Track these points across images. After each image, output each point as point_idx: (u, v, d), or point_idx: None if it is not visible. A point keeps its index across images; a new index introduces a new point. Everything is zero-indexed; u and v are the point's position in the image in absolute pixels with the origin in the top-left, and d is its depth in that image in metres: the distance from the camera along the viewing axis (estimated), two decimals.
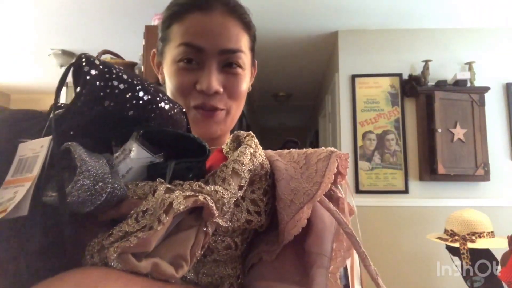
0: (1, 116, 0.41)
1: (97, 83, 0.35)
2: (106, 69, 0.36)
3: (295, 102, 5.09)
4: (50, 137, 0.34)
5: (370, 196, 2.73)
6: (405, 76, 2.83)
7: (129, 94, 0.37)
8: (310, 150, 0.45)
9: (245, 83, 0.60)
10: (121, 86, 0.36)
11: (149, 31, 1.94)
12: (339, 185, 0.45)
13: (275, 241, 0.41)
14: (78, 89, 0.35)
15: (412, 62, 2.86)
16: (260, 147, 0.46)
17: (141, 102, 0.38)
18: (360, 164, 2.78)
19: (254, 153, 0.43)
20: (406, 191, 2.74)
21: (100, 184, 0.32)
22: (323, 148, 0.44)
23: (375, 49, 2.91)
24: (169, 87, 0.59)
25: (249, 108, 4.58)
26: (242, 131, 0.48)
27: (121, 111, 0.37)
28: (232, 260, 0.42)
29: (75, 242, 0.33)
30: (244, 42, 0.59)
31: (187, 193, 0.34)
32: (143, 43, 1.96)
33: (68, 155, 0.33)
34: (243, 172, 0.39)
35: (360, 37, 2.93)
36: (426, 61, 2.76)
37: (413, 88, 2.76)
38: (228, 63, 0.57)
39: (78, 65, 0.36)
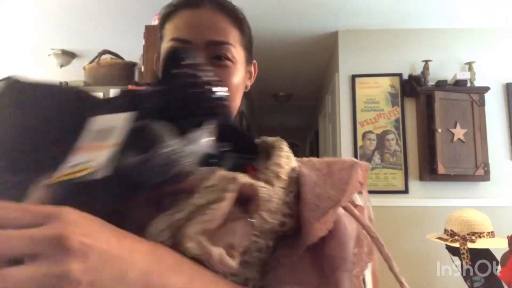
0: (68, 91, 0.44)
1: (190, 71, 0.41)
2: (196, 61, 0.43)
3: (295, 102, 5.09)
4: (134, 112, 0.38)
5: (370, 196, 2.69)
6: (405, 76, 2.83)
7: (209, 87, 0.42)
8: (331, 159, 0.47)
9: (236, 77, 0.59)
10: (206, 79, 0.42)
11: (149, 31, 1.94)
12: (357, 194, 0.47)
13: (294, 245, 0.41)
14: (174, 71, 0.41)
15: (412, 62, 2.86)
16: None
17: (215, 97, 0.43)
18: None
19: (288, 156, 0.44)
20: (406, 191, 2.74)
21: (177, 155, 0.35)
22: (344, 158, 0.46)
23: (375, 49, 2.91)
24: None
25: (249, 108, 4.58)
26: (268, 137, 0.49)
27: (201, 101, 0.42)
28: (258, 263, 0.41)
29: (123, 215, 0.34)
30: (233, 37, 0.59)
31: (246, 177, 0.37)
32: (143, 43, 1.96)
33: (150, 131, 0.36)
34: (283, 174, 0.41)
35: (360, 37, 2.93)
36: (426, 61, 2.76)
37: (413, 88, 2.76)
38: (217, 56, 0.57)
39: (175, 53, 0.43)
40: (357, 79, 2.89)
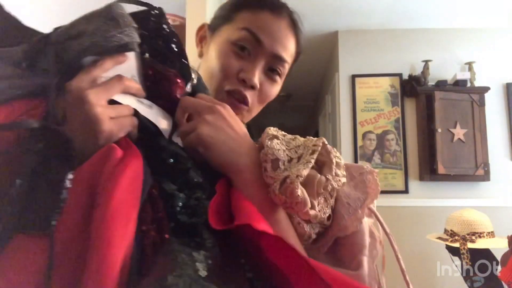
0: None
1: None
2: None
3: (295, 102, 5.08)
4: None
5: None
6: (405, 76, 2.83)
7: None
8: (347, 163, 0.51)
9: (276, 92, 0.64)
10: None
11: None
12: None
13: (327, 237, 0.50)
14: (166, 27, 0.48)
15: (412, 62, 2.86)
16: None
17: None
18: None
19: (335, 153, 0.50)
20: (406, 191, 2.74)
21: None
22: (358, 164, 0.52)
23: (375, 49, 2.90)
24: (211, 63, 0.61)
25: None
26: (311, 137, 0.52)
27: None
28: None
29: None
30: (291, 56, 0.63)
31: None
32: None
33: None
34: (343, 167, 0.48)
35: (360, 37, 2.93)
36: (426, 61, 2.76)
37: (413, 88, 2.76)
38: (272, 69, 0.61)
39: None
40: (357, 79, 2.89)
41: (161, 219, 0.40)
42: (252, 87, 0.59)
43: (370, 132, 2.83)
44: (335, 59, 3.06)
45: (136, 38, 0.43)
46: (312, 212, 0.43)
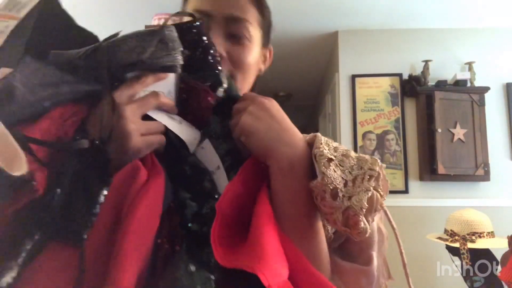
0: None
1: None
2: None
3: (295, 102, 5.08)
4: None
5: None
6: (405, 76, 2.83)
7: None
8: (358, 155, 0.49)
9: (252, 56, 0.61)
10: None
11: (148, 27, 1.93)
12: None
13: (340, 234, 0.51)
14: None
15: (412, 62, 2.85)
16: None
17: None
18: None
19: None
20: (406, 191, 2.74)
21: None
22: (365, 156, 0.50)
23: (375, 49, 2.90)
24: None
25: None
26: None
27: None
28: None
29: None
30: (252, 15, 0.60)
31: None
32: None
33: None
34: None
35: (360, 37, 2.93)
36: (426, 61, 2.76)
37: (413, 88, 2.75)
38: (235, 35, 0.59)
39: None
40: (357, 79, 2.88)
41: (175, 231, 0.42)
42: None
43: (370, 132, 2.82)
44: (335, 59, 3.06)
45: (179, 61, 0.46)
46: (369, 233, 0.42)
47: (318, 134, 0.48)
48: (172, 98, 0.49)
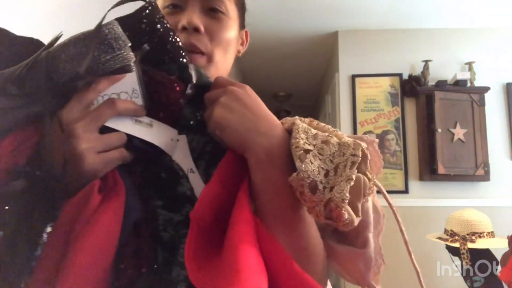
0: None
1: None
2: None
3: (295, 102, 5.08)
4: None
5: None
6: (405, 76, 2.83)
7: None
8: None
9: (229, 31, 0.59)
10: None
11: None
12: None
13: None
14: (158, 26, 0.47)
15: (412, 62, 2.85)
16: None
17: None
18: None
19: None
20: (406, 191, 2.74)
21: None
22: (358, 135, 0.49)
23: (375, 49, 2.90)
24: None
25: None
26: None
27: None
28: None
29: None
30: None
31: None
32: None
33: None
34: None
35: (360, 37, 2.93)
36: (426, 61, 2.76)
37: (413, 88, 2.76)
38: (211, 8, 0.57)
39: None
40: (357, 79, 2.88)
41: (142, 251, 0.39)
42: (196, 30, 0.55)
43: (370, 132, 2.82)
44: (335, 59, 3.06)
45: (131, 58, 0.41)
46: (357, 220, 0.40)
47: (296, 120, 0.45)
48: (138, 96, 0.44)
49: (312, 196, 0.39)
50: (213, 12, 0.57)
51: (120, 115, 0.42)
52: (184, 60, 0.48)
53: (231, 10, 0.60)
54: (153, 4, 0.46)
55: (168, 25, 0.47)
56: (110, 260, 0.36)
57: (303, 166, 0.39)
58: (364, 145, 0.42)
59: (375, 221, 0.50)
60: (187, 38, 0.54)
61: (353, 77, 2.89)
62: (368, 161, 0.42)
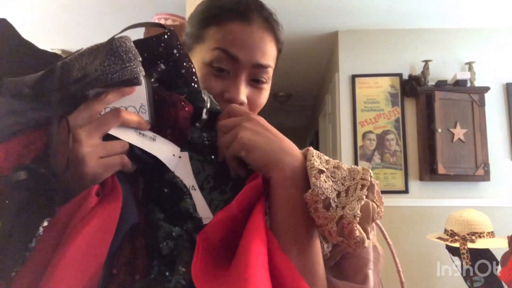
0: None
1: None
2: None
3: (295, 102, 5.08)
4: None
5: None
6: (405, 76, 2.83)
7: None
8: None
9: (266, 97, 0.63)
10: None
11: (149, 31, 1.94)
12: None
13: (336, 251, 0.51)
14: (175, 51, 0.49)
15: (412, 62, 2.86)
16: None
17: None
18: (360, 164, 2.78)
19: None
20: (406, 191, 2.74)
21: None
22: (357, 167, 0.50)
23: (375, 49, 2.90)
24: None
25: None
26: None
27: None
28: None
29: None
30: (274, 58, 0.62)
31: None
32: None
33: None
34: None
35: (360, 37, 2.93)
36: (426, 61, 2.76)
37: (413, 88, 2.76)
38: (256, 80, 0.60)
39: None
40: (357, 79, 2.88)
41: (136, 258, 0.39)
42: (240, 104, 0.57)
43: (370, 132, 2.82)
44: (335, 59, 3.06)
45: (140, 71, 0.43)
46: (367, 242, 0.42)
47: (310, 148, 0.49)
48: (145, 111, 0.46)
49: (325, 212, 0.42)
50: (256, 83, 0.60)
51: (124, 124, 0.44)
52: (196, 86, 0.50)
53: (271, 72, 0.62)
54: (172, 31, 0.49)
55: (183, 53, 0.49)
56: (101, 260, 0.37)
57: (318, 182, 0.43)
58: (371, 173, 0.45)
59: (375, 259, 0.52)
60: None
61: (353, 77, 2.89)
62: (375, 191, 0.45)
